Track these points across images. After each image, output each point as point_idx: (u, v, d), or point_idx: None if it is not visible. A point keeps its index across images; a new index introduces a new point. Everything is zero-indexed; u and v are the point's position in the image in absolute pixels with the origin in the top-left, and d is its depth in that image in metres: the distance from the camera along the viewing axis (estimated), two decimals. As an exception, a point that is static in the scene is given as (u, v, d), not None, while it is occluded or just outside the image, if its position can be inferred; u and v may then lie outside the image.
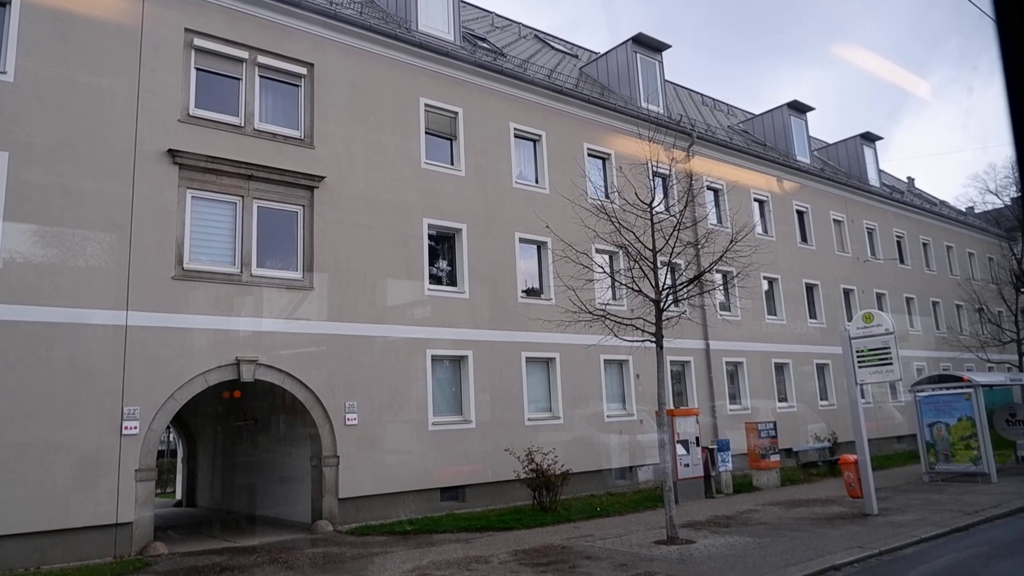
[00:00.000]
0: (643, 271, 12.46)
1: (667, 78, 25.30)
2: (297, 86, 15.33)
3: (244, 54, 14.56)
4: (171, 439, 27.02)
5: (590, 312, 12.86)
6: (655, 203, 12.73)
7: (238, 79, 14.52)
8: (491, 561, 10.49)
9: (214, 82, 14.27)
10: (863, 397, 16.13)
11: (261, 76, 14.85)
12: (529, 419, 17.33)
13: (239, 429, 18.10)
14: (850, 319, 21.57)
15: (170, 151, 13.11)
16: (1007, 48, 1.23)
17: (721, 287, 21.19)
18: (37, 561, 10.89)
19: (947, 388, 18.86)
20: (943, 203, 41.01)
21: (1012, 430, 19.42)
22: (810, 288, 26.98)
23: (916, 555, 10.45)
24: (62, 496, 11.23)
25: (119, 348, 12.10)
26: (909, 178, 42.08)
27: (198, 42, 13.95)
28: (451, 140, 17.71)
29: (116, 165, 12.55)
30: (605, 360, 18.96)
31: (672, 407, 18.94)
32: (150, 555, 11.77)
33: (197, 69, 14.00)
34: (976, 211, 42.34)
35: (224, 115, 14.15)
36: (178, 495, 22.54)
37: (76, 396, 11.60)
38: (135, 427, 12.03)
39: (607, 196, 18.15)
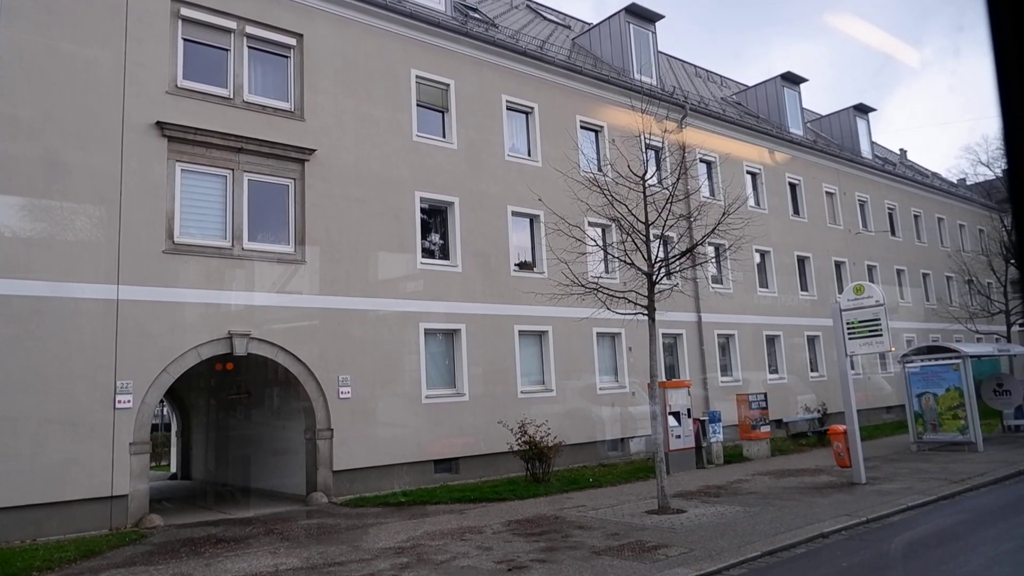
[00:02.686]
0: (636, 244, 12.47)
1: (660, 49, 25.09)
2: (286, 57, 15.13)
3: (232, 24, 14.35)
4: (165, 412, 27.10)
5: (583, 285, 12.88)
6: (648, 176, 12.70)
7: (226, 50, 14.31)
8: (484, 531, 10.63)
9: (202, 53, 14.07)
10: (853, 368, 16.27)
11: (250, 47, 14.65)
12: (522, 392, 17.43)
13: (233, 402, 18.16)
14: (841, 291, 21.68)
15: (158, 123, 12.96)
16: (995, 18, 1.22)
17: (713, 260, 21.24)
18: (33, 533, 10.97)
19: (936, 359, 19.04)
20: (935, 175, 41.05)
21: (999, 400, 19.69)
22: (802, 260, 27.07)
23: (903, 523, 10.64)
24: (57, 469, 11.28)
25: (111, 322, 12.07)
26: (902, 150, 42.04)
27: (185, 12, 13.73)
28: (443, 112, 17.55)
29: (103, 138, 12.42)
30: (598, 333, 19.03)
31: (664, 379, 19.09)
32: (146, 527, 11.87)
33: (184, 40, 13.79)
34: (968, 183, 42.41)
35: (213, 87, 13.98)
36: (173, 468, 22.68)
37: (68, 370, 11.59)
38: (128, 401, 12.05)
39: (600, 169, 18.09)
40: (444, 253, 17.06)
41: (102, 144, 12.39)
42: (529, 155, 19.02)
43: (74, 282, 11.83)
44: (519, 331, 17.68)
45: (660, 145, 15.87)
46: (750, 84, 31.78)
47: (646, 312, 12.27)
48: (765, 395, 19.66)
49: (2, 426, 10.93)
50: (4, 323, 11.18)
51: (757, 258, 24.96)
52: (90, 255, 12.08)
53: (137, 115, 12.80)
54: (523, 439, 15.14)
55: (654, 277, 12.24)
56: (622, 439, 19.43)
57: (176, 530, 11.82)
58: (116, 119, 12.58)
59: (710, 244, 16.76)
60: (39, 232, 11.65)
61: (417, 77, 16.95)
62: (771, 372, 24.61)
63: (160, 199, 12.93)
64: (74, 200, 12.03)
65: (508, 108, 18.74)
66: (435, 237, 17.13)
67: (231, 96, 14.16)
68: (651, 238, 12.43)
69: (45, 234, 11.69)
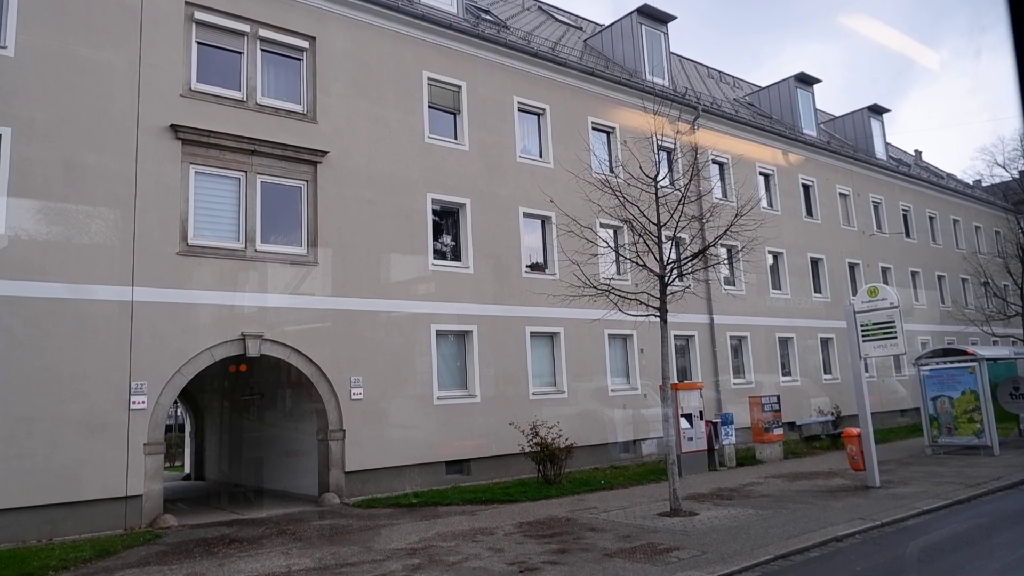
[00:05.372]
0: (647, 245, 12.43)
1: (672, 50, 25.02)
2: (299, 60, 15.21)
3: (245, 27, 14.43)
4: (179, 413, 27.28)
5: (594, 287, 12.86)
6: (660, 177, 12.67)
7: (239, 53, 14.40)
8: (496, 533, 10.62)
9: (215, 56, 14.17)
10: (867, 371, 16.15)
11: (263, 50, 14.73)
12: (533, 393, 17.42)
13: (246, 403, 18.25)
14: (855, 293, 21.53)
15: (172, 126, 13.06)
16: (1016, 18, 1.21)
17: (726, 261, 21.16)
18: (49, 533, 11.06)
19: (951, 362, 18.86)
20: (950, 176, 40.71)
21: (1015, 403, 19.45)
22: (815, 262, 26.91)
23: (918, 527, 10.54)
24: (72, 469, 11.37)
25: (125, 323, 12.16)
26: (916, 151, 41.74)
27: (199, 15, 13.83)
28: (454, 114, 17.58)
29: (118, 140, 12.52)
30: (609, 335, 18.99)
31: (676, 381, 19.02)
32: (160, 527, 11.95)
33: (198, 43, 13.89)
34: (984, 184, 42.02)
35: (226, 90, 14.07)
36: (186, 468, 22.82)
37: (83, 371, 11.69)
38: (143, 401, 12.14)
39: (611, 170, 18.07)
40: (456, 255, 17.08)
41: (117, 147, 12.49)
42: (541, 157, 19.02)
43: (89, 284, 11.93)
44: (531, 332, 17.67)
45: (672, 146, 15.81)
46: (763, 85, 31.65)
47: (658, 314, 12.23)
48: (778, 397, 19.55)
49: (19, 426, 11.04)
50: (21, 324, 11.29)
51: (770, 260, 24.84)
52: (105, 257, 12.18)
53: (151, 118, 12.90)
54: (535, 441, 15.12)
55: (666, 279, 12.20)
56: (634, 441, 19.37)
57: (190, 530, 11.88)
58: (131, 122, 12.69)
59: (722, 246, 16.69)
60: (55, 234, 11.76)
61: (429, 79, 16.98)
62: (784, 374, 24.47)
63: (174, 201, 13.02)
64: (89, 203, 12.13)
65: (520, 110, 18.74)
66: (447, 239, 17.15)
67: (244, 99, 14.25)
68: (663, 239, 12.39)
69: (61, 236, 11.80)
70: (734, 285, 22.61)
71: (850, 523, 10.38)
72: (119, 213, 12.37)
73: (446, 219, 17.19)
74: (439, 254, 16.74)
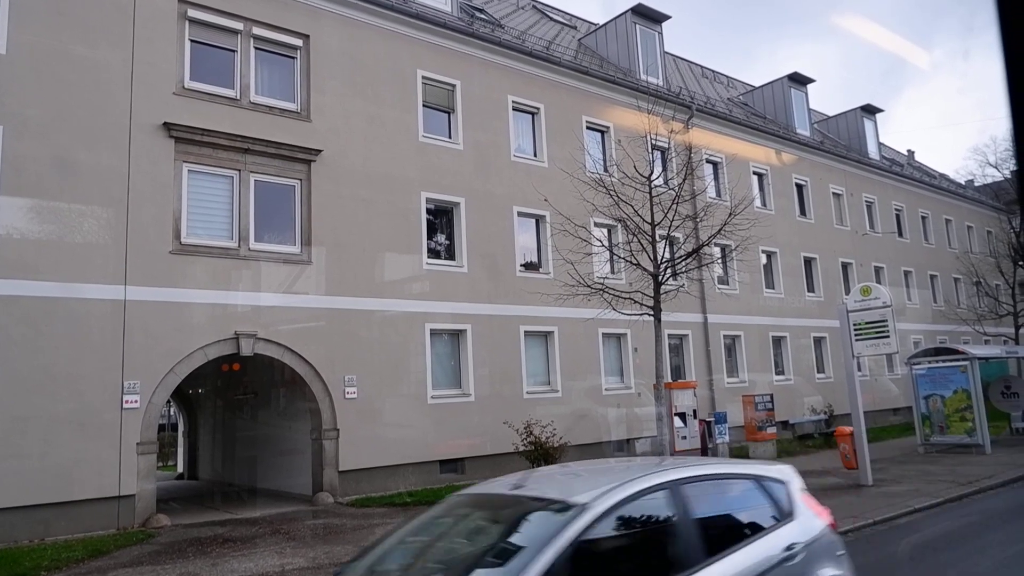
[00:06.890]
0: (642, 244, 12.47)
1: (666, 50, 25.06)
2: (293, 58, 15.17)
3: (239, 25, 14.39)
4: (172, 412, 27.19)
5: (588, 286, 12.90)
6: (654, 176, 12.70)
7: (233, 51, 14.36)
8: (490, 532, 10.61)
9: (209, 54, 14.12)
10: (860, 370, 16.21)
11: (256, 48, 14.69)
12: (528, 392, 17.43)
13: (239, 403, 18.21)
14: (848, 292, 21.62)
15: (166, 124, 13.01)
16: (1005, 20, 1.22)
17: (719, 261, 21.21)
18: (41, 533, 11.02)
19: (943, 361, 18.95)
20: (943, 176, 40.89)
21: (1007, 402, 19.57)
22: (808, 262, 26.99)
23: (910, 524, 10.60)
24: (65, 469, 11.33)
25: (118, 322, 12.12)
26: (909, 151, 41.90)
27: (192, 13, 13.78)
28: (449, 113, 17.58)
29: (112, 139, 12.47)
30: (603, 334, 19.01)
31: (670, 380, 19.06)
32: (153, 527, 11.91)
33: (192, 41, 13.84)
34: (976, 184, 42.23)
35: (220, 88, 14.03)
36: (180, 468, 22.75)
37: (77, 370, 11.65)
38: (136, 401, 12.10)
39: (606, 169, 18.08)
40: (450, 254, 17.07)
41: (110, 145, 12.45)
42: (535, 156, 19.02)
43: (83, 283, 11.88)
44: (525, 332, 17.68)
45: (666, 146, 15.85)
46: (757, 84, 31.72)
47: (652, 313, 12.26)
48: (771, 396, 19.60)
49: (13, 426, 10.99)
50: (15, 323, 11.24)
51: (763, 259, 24.90)
52: (98, 256, 12.13)
53: (145, 116, 12.85)
54: (529, 440, 15.13)
55: (660, 278, 12.24)
56: (628, 440, 19.39)
57: (183, 530, 11.85)
58: (124, 120, 12.64)
59: (716, 245, 16.72)
60: (48, 233, 11.71)
61: (423, 78, 16.97)
62: (777, 373, 24.53)
63: (167, 200, 12.97)
64: (82, 201, 12.09)
65: (514, 108, 18.74)
66: (441, 238, 17.14)
67: (238, 97, 14.21)
68: (657, 239, 12.42)
69: (54, 235, 11.75)
70: (728, 284, 22.66)
71: (843, 521, 10.38)
72: (112, 211, 12.33)
73: (440, 218, 17.18)
74: (433, 253, 16.73)
